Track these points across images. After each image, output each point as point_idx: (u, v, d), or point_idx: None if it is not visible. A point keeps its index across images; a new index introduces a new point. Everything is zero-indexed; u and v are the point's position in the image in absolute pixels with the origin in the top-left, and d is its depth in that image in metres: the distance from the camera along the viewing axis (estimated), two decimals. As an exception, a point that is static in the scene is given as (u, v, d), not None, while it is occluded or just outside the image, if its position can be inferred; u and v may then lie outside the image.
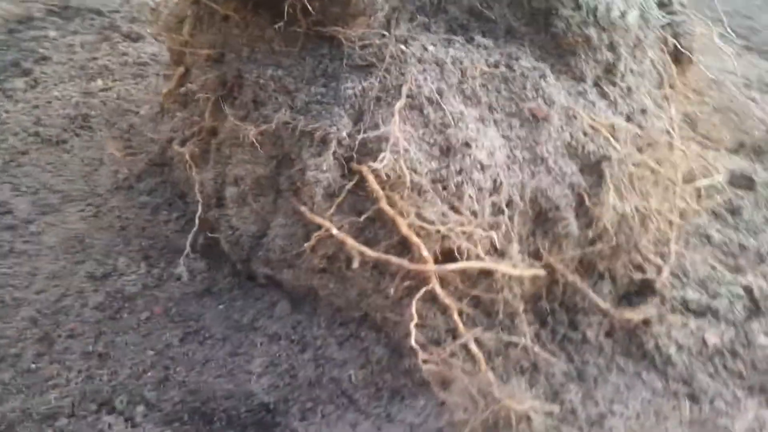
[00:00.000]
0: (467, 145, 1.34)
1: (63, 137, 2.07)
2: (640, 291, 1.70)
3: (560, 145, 1.43)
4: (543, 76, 1.45)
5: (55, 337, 1.53)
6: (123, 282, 1.63)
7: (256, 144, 1.43)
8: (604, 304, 1.54)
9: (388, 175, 1.28)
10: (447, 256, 1.36)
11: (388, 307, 1.46)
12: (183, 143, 1.64)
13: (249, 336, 1.58)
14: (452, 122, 1.34)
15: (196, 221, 1.52)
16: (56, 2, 2.84)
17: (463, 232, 1.31)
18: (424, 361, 1.27)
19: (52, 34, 2.63)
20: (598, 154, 1.45)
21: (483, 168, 1.34)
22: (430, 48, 1.41)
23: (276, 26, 1.37)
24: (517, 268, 1.34)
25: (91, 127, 2.12)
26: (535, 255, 1.49)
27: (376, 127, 1.32)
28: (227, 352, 1.55)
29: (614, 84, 1.57)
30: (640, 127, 1.58)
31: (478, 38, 1.48)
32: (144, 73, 2.43)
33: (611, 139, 1.47)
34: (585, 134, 1.45)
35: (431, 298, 1.37)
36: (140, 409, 1.42)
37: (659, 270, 1.65)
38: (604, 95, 1.55)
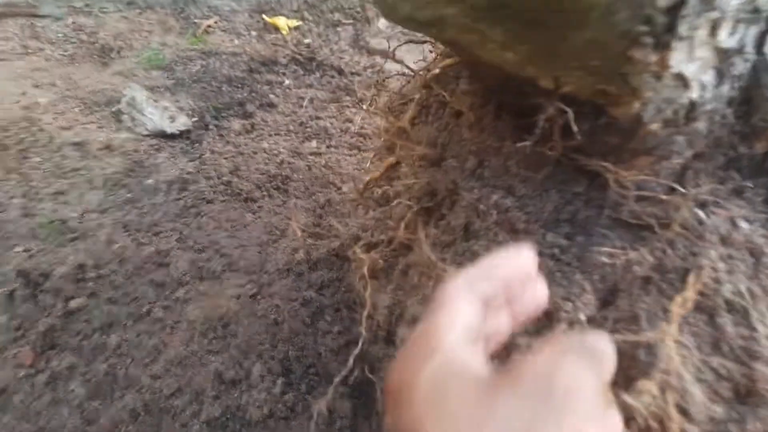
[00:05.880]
0: (783, 394, 0.81)
1: (254, 195, 1.92)
2: None
3: None
4: None
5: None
6: (249, 398, 1.34)
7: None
8: None
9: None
10: None
11: None
12: (368, 248, 1.32)
13: None
14: (762, 350, 0.83)
15: (350, 358, 1.18)
16: (303, 52, 2.83)
17: None
18: None
19: (287, 82, 2.59)
20: None
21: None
22: (743, 225, 0.92)
23: (520, 142, 1.01)
24: None
25: (287, 190, 1.95)
26: None
27: (635, 322, 0.86)
28: None
29: None
30: None
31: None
32: (363, 146, 2.23)
33: None
34: None
35: None
36: None
37: None
38: None
